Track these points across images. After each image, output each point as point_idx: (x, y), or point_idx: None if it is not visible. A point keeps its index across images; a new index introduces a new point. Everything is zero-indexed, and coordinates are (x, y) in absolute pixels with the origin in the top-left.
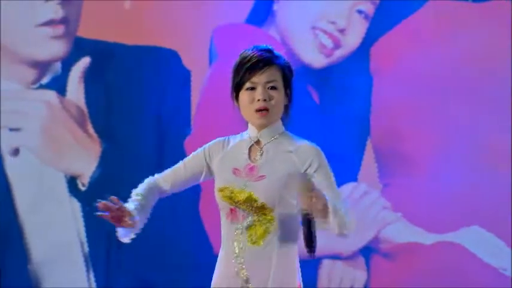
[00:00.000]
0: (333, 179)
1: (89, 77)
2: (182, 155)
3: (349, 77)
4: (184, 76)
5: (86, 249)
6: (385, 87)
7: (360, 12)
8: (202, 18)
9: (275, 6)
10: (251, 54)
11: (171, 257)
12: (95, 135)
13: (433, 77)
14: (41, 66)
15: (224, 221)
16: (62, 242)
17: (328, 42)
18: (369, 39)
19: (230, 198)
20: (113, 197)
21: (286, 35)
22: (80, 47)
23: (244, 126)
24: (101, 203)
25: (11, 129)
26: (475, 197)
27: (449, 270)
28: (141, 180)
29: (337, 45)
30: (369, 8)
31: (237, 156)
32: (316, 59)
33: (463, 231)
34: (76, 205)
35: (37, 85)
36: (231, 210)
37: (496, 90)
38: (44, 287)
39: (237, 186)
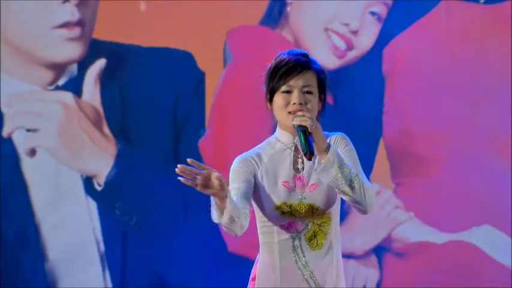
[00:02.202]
0: (355, 157)
1: (105, 78)
2: (197, 155)
3: (361, 78)
4: (199, 77)
5: (102, 248)
6: (397, 88)
7: (372, 13)
8: (216, 20)
9: (288, 8)
10: (288, 58)
11: (185, 256)
12: (110, 135)
13: (445, 78)
14: (58, 68)
15: (277, 231)
16: (78, 241)
17: (341, 44)
18: (382, 41)
19: (290, 213)
20: (191, 160)
21: (299, 37)
22: (95, 48)
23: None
24: (179, 168)
25: (28, 130)
26: (486, 196)
27: (460, 268)
28: (156, 180)
29: (349, 46)
30: (382, 10)
31: (280, 169)
32: (329, 61)
33: (474, 230)
34: (92, 205)
35: (53, 86)
36: (289, 222)
37: (509, 90)
38: (60, 286)
39: (294, 200)
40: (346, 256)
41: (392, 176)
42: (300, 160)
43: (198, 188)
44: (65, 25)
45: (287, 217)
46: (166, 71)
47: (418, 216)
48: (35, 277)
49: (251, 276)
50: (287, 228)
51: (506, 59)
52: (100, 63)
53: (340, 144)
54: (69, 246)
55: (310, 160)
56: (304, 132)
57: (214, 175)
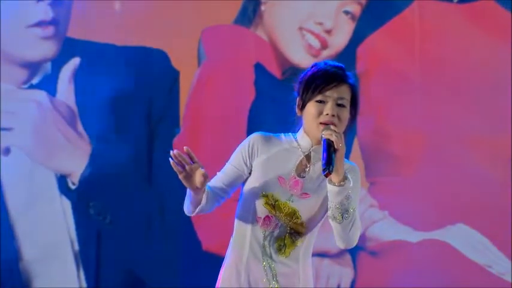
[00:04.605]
0: (358, 194)
1: (79, 77)
2: None
3: None
4: (173, 76)
5: (76, 247)
6: (371, 87)
7: (346, 12)
8: (190, 19)
9: (263, 7)
10: (326, 68)
11: (160, 254)
12: (85, 134)
13: (419, 77)
14: (32, 67)
15: (252, 223)
16: (52, 240)
17: (315, 43)
18: (356, 40)
19: (273, 207)
20: (187, 149)
21: (274, 36)
22: (69, 47)
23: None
24: (174, 152)
25: (2, 129)
26: (461, 195)
27: (435, 267)
28: (130, 179)
29: (324, 45)
30: (356, 9)
31: (284, 164)
32: (304, 59)
33: (448, 229)
34: (66, 204)
35: (27, 85)
36: (267, 217)
37: (481, 88)
38: (34, 285)
39: (282, 197)
40: (321, 255)
41: (367, 175)
42: (307, 169)
43: (181, 177)
44: (39, 24)
45: (267, 210)
46: (140, 70)
47: (393, 215)
48: (10, 276)
49: (218, 277)
50: (262, 222)
51: (480, 58)
52: (74, 62)
53: (349, 174)
54: (43, 246)
55: (327, 177)
56: (329, 146)
57: (201, 172)
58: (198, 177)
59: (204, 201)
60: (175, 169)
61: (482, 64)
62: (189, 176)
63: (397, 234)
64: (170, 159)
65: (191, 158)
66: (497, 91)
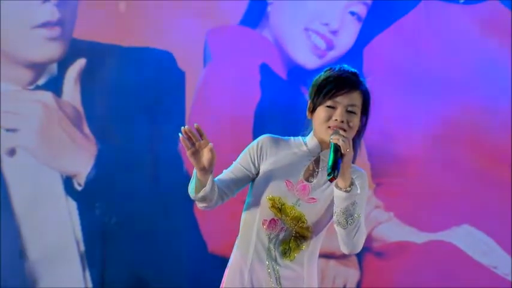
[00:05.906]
0: (364, 200)
1: (85, 78)
2: (177, 155)
3: None
4: (179, 77)
5: (82, 248)
6: (378, 88)
7: (352, 13)
8: (196, 20)
9: (269, 8)
10: (338, 74)
11: (166, 255)
12: (90, 135)
13: (425, 78)
14: (37, 68)
15: (257, 225)
16: (58, 241)
17: (321, 44)
18: (362, 41)
19: (279, 210)
20: (197, 125)
21: (280, 37)
22: (75, 48)
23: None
24: (185, 127)
25: (8, 130)
26: (465, 196)
27: (440, 268)
28: (136, 180)
29: (330, 46)
30: (362, 10)
31: (292, 168)
32: (310, 60)
33: (454, 230)
34: (72, 204)
35: (33, 86)
36: (273, 220)
37: (489, 90)
38: (40, 286)
39: (289, 201)
40: (327, 256)
41: (373, 176)
42: (315, 174)
43: (189, 153)
44: (45, 25)
45: (273, 213)
46: (146, 71)
47: (398, 216)
48: (15, 277)
49: (222, 279)
50: (268, 225)
51: (486, 59)
52: (80, 63)
53: (356, 180)
54: (49, 246)
55: (331, 182)
56: (336, 151)
57: (209, 147)
58: (206, 154)
59: (209, 186)
60: (184, 144)
61: (488, 65)
62: (197, 153)
63: (402, 235)
64: (180, 134)
65: (200, 135)
66: (503, 91)
